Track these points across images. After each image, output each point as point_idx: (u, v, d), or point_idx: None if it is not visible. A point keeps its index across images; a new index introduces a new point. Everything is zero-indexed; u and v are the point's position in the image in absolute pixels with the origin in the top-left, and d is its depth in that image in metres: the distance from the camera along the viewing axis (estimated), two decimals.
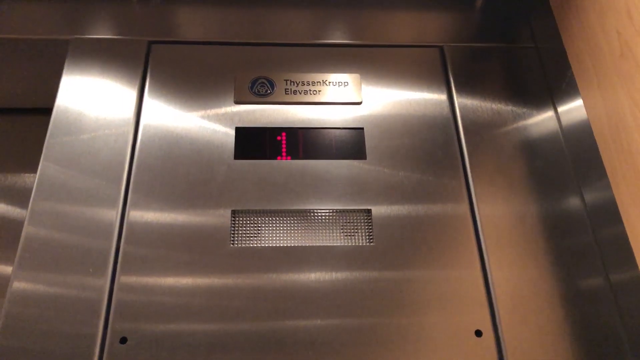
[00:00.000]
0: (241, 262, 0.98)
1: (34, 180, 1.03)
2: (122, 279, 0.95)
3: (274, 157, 1.09)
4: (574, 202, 1.07)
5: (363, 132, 1.13)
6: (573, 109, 1.10)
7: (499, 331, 0.94)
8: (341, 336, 0.93)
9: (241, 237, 1.01)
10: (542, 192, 1.08)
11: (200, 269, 0.97)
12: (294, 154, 1.09)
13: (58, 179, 1.02)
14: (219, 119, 1.12)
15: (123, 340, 0.90)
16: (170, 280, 0.95)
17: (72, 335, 0.89)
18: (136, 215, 1.00)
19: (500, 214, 1.05)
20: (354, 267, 0.99)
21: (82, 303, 0.92)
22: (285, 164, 1.08)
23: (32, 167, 1.07)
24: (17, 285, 0.93)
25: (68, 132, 1.08)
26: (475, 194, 1.07)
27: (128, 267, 0.96)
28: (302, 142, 1.11)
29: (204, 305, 0.94)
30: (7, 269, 1.20)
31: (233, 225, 1.01)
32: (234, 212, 1.02)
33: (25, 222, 0.98)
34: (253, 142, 1.10)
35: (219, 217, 1.01)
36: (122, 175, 1.04)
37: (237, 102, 1.14)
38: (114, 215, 1.00)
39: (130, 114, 1.11)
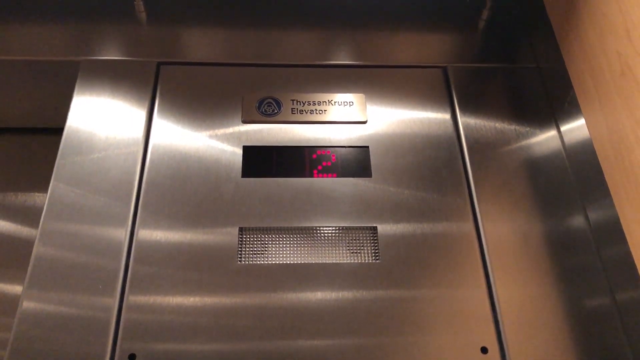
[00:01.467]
0: (248, 279, 0.98)
1: (44, 199, 1.04)
2: (131, 298, 0.95)
3: (280, 175, 1.10)
4: (578, 220, 1.07)
5: (368, 150, 1.14)
6: (575, 128, 1.11)
7: (505, 348, 0.94)
8: (348, 356, 0.93)
9: (248, 254, 1.02)
10: (547, 211, 1.08)
11: (208, 287, 0.97)
12: (300, 172, 1.11)
13: (68, 199, 1.03)
14: (226, 138, 1.14)
15: (132, 357, 0.90)
16: (178, 300, 0.95)
17: (81, 355, 0.89)
18: (145, 234, 1.01)
19: (505, 232, 1.06)
20: (360, 285, 0.99)
21: (91, 323, 0.92)
22: (292, 182, 1.09)
23: (43, 186, 1.08)
24: (27, 305, 0.93)
25: (79, 152, 1.09)
26: (480, 212, 1.07)
27: (137, 286, 0.96)
28: (308, 160, 1.12)
29: (212, 325, 0.94)
30: (18, 289, 1.20)
31: (240, 243, 1.02)
32: (241, 230, 1.03)
33: (36, 242, 0.99)
34: (260, 160, 1.11)
35: (227, 234, 1.02)
36: (132, 194, 1.05)
37: (245, 122, 1.16)
38: (123, 234, 1.00)
39: (140, 133, 1.12)
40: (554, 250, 1.04)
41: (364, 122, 1.18)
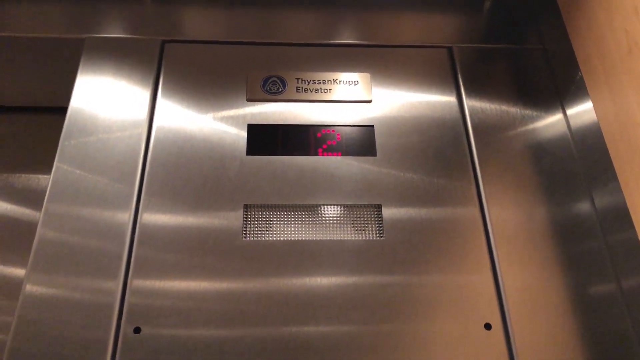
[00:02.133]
0: (253, 256, 0.98)
1: (47, 180, 1.03)
2: (135, 282, 0.95)
3: (285, 154, 1.10)
4: (584, 206, 1.07)
5: (373, 129, 1.14)
6: (582, 112, 1.11)
7: (508, 325, 0.95)
8: (353, 340, 0.93)
9: (253, 231, 1.02)
10: (552, 195, 1.08)
11: (213, 268, 0.97)
12: (305, 150, 1.11)
13: (72, 181, 1.03)
14: (231, 117, 1.13)
15: (137, 330, 0.91)
16: (182, 284, 0.95)
17: (84, 339, 0.89)
18: (149, 216, 1.01)
19: (510, 216, 1.05)
20: (364, 263, 0.99)
21: (94, 306, 0.92)
22: (297, 160, 1.09)
23: (46, 165, 1.08)
24: (30, 288, 0.93)
25: (82, 133, 1.09)
26: (485, 196, 1.07)
27: (141, 270, 0.96)
28: (313, 139, 1.12)
29: (215, 310, 0.94)
30: (20, 272, 1.20)
31: (245, 220, 1.02)
32: (246, 207, 1.03)
33: (39, 225, 0.98)
34: (265, 139, 1.11)
35: (232, 211, 1.02)
36: (136, 176, 1.05)
37: (250, 100, 1.16)
38: (126, 217, 1.00)
39: (144, 114, 1.12)
40: (560, 235, 1.04)
41: (369, 102, 1.18)
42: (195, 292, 0.95)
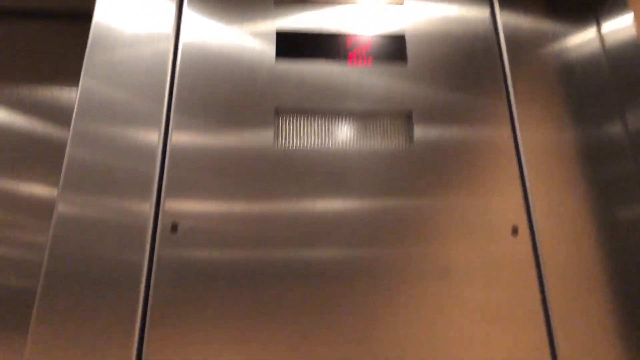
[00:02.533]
0: (283, 170, 0.98)
1: (71, 92, 1.01)
2: (167, 203, 0.94)
3: (315, 60, 1.08)
4: (615, 127, 1.05)
5: (404, 37, 1.11)
6: (621, 28, 1.07)
7: (535, 230, 0.96)
8: (378, 258, 0.94)
9: (284, 138, 1.01)
10: (584, 115, 1.06)
11: (244, 185, 0.97)
12: (335, 57, 1.08)
13: (99, 99, 1.01)
14: (259, 23, 1.11)
15: (174, 227, 0.92)
16: (213, 204, 0.95)
17: (119, 259, 0.90)
18: (179, 133, 1.00)
19: (540, 134, 1.05)
20: (394, 172, 0.99)
21: (127, 227, 0.92)
22: (327, 67, 1.07)
23: (71, 75, 1.05)
24: (63, 208, 0.93)
25: (108, 48, 1.06)
26: (516, 110, 1.06)
27: (172, 190, 0.95)
28: (342, 44, 1.09)
29: (246, 230, 0.94)
30: (46, 190, 1.20)
31: (276, 123, 1.01)
32: (277, 111, 1.02)
33: (68, 144, 0.97)
34: (294, 44, 1.09)
35: (263, 118, 1.01)
36: (164, 91, 1.03)
37: (277, 3, 1.12)
38: (156, 136, 0.99)
39: (170, 26, 1.09)
40: (590, 156, 1.03)
41: (401, 4, 1.14)
42: (227, 212, 0.95)
